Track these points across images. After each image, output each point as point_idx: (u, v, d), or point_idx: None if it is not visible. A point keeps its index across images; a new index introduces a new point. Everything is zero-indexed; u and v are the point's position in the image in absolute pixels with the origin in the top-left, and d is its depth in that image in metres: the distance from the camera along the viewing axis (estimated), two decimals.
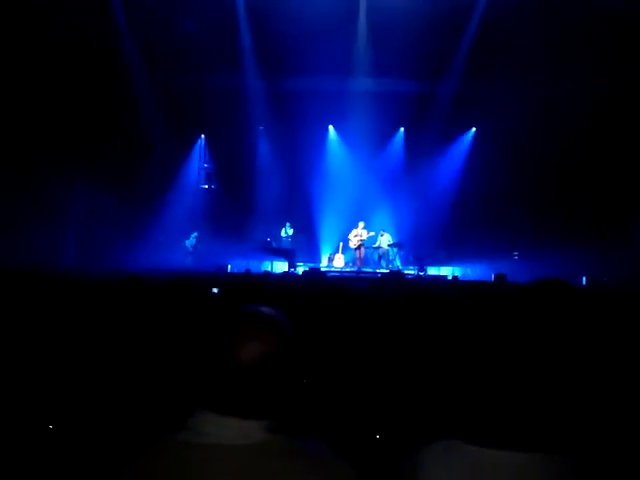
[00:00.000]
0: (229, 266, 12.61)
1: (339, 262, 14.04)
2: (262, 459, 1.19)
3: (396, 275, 11.17)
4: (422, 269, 12.95)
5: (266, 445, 1.21)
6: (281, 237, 14.32)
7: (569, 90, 11.66)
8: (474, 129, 14.54)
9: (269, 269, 13.31)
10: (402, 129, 14.99)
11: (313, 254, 14.88)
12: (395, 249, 13.95)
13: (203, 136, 15.22)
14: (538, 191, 12.92)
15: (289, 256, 13.34)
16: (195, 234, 14.04)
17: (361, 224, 13.74)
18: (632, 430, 1.93)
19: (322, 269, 13.01)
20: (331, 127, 15.28)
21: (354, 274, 12.73)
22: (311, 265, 13.50)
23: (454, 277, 11.73)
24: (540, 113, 12.00)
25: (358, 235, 13.71)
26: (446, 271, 13.40)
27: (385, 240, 14.01)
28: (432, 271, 13.31)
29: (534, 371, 1.30)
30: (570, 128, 11.64)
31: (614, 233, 11.31)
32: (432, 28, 11.45)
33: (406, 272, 12.45)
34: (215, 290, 5.13)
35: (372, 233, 13.80)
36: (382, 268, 13.57)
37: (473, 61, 12.51)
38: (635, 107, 11.35)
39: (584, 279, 10.24)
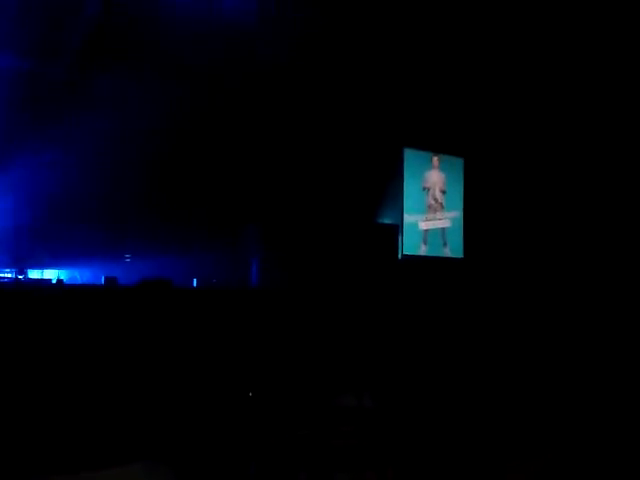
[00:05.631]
0: None
1: None
2: None
3: None
4: (22, 272, 11.52)
5: None
6: None
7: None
8: None
9: None
10: None
11: None
12: None
13: None
14: (150, 193, 12.56)
15: None
16: None
17: None
18: None
19: None
20: None
21: None
22: None
23: (59, 280, 10.84)
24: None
25: None
26: (50, 274, 12.19)
27: None
28: (34, 274, 11.90)
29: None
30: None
31: (223, 239, 12.03)
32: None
33: (1, 275, 10.99)
34: None
35: None
36: None
37: (94, 45, 11.40)
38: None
39: (195, 281, 10.71)
